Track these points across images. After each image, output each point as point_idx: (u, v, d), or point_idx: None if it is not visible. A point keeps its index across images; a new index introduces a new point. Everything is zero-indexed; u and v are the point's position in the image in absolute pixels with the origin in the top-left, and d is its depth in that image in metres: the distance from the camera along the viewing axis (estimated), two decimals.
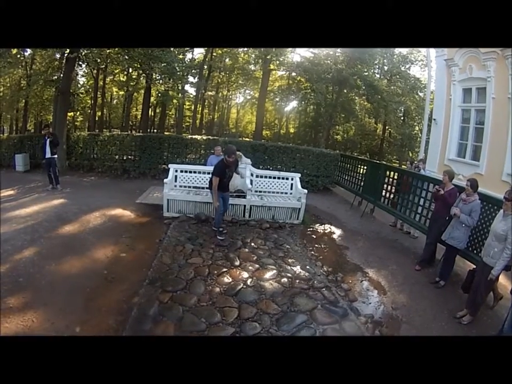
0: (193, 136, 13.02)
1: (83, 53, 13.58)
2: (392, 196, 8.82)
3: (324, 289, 5.02)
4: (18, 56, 19.02)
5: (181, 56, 20.01)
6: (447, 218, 5.70)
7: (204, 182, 8.20)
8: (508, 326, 3.68)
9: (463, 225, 5.22)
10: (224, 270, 5.28)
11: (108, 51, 15.17)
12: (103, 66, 21.00)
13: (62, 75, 14.69)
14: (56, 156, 9.46)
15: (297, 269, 5.60)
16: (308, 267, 5.73)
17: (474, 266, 5.11)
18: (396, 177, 8.82)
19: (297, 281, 5.16)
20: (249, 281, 4.99)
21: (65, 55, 13.47)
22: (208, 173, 8.05)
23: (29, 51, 19.00)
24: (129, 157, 12.19)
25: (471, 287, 4.74)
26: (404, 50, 30.09)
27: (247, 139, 28.48)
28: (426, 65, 16.73)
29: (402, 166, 20.16)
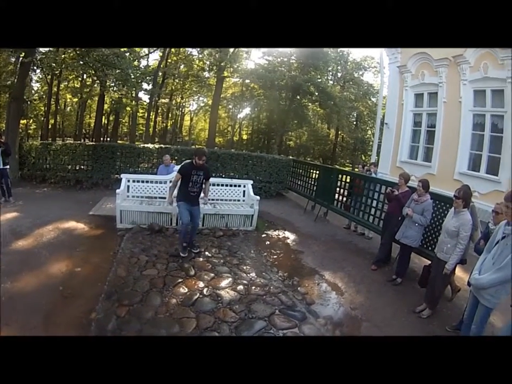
0: (146, 145, 12.78)
1: (38, 58, 13.06)
2: (345, 199, 9.08)
3: (280, 294, 5.09)
4: None
5: (135, 63, 19.71)
6: (400, 218, 5.90)
7: (156, 191, 8.17)
8: (468, 316, 3.84)
9: (417, 224, 5.45)
10: (180, 280, 5.25)
11: (63, 56, 14.67)
12: (58, 72, 20.33)
13: (15, 80, 14.06)
14: (8, 167, 9.03)
15: (253, 275, 5.66)
16: (263, 273, 5.80)
17: (430, 262, 5.34)
18: (348, 180, 9.08)
19: (253, 287, 5.20)
20: (205, 290, 4.98)
21: (20, 59, 12.91)
22: (161, 182, 8.06)
23: None
24: (82, 167, 11.78)
25: (428, 281, 4.98)
26: (358, 57, 31.39)
27: (200, 147, 28.42)
28: (379, 71, 17.49)
29: (355, 170, 20.87)
